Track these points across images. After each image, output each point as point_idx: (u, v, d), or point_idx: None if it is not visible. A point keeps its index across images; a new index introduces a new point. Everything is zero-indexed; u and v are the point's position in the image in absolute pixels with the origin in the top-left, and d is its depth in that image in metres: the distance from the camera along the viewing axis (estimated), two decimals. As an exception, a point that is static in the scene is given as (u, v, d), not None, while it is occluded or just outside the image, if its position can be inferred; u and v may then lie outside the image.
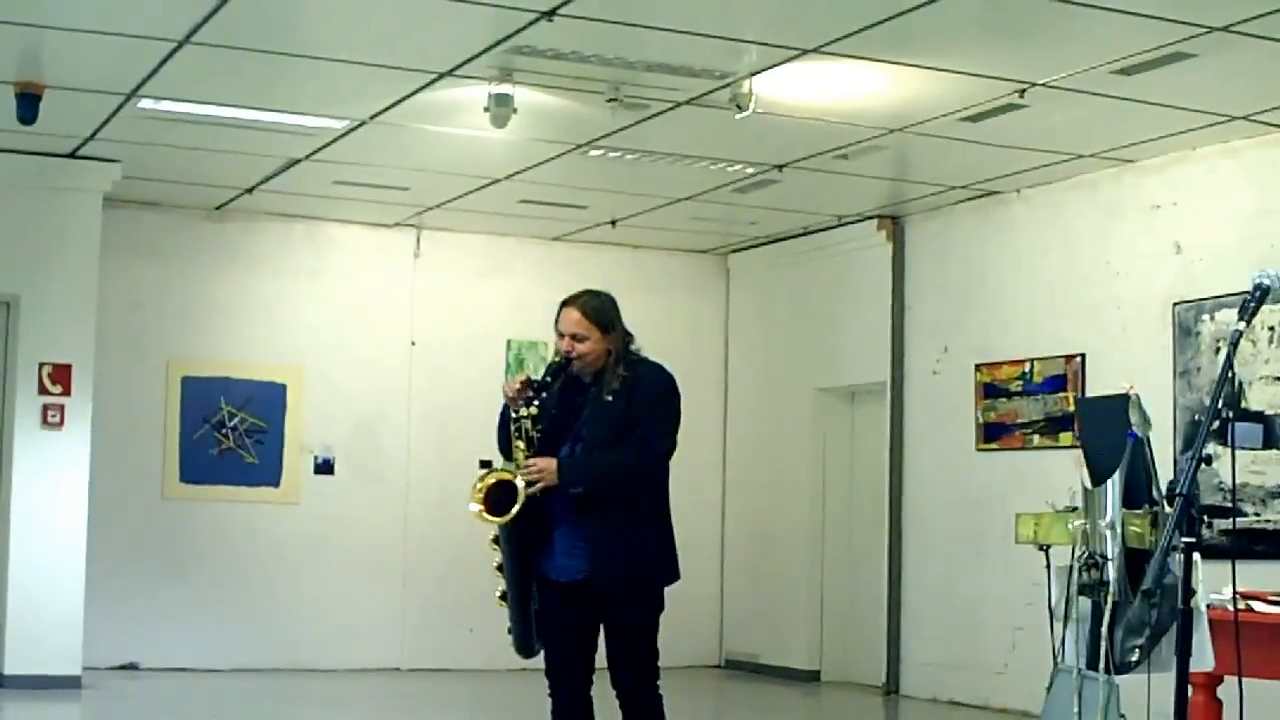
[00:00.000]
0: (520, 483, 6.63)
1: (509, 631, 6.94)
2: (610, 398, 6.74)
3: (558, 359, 6.81)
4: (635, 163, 12.20)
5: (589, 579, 6.69)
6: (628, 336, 6.86)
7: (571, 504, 6.68)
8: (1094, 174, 12.08)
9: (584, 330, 6.75)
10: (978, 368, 13.15)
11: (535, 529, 6.72)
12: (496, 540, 6.83)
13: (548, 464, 6.65)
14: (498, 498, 6.67)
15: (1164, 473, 5.89)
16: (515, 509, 6.63)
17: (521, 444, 6.72)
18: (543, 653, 6.93)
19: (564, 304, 6.85)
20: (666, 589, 6.88)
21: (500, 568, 6.84)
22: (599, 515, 6.68)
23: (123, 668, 13.73)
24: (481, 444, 14.49)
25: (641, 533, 6.76)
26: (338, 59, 9.89)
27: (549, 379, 6.77)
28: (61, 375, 12.75)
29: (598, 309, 6.80)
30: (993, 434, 12.97)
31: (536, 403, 6.73)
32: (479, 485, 6.69)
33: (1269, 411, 10.47)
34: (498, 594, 6.88)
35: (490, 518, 6.68)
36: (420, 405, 15.02)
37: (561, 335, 6.79)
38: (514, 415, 6.76)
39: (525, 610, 6.85)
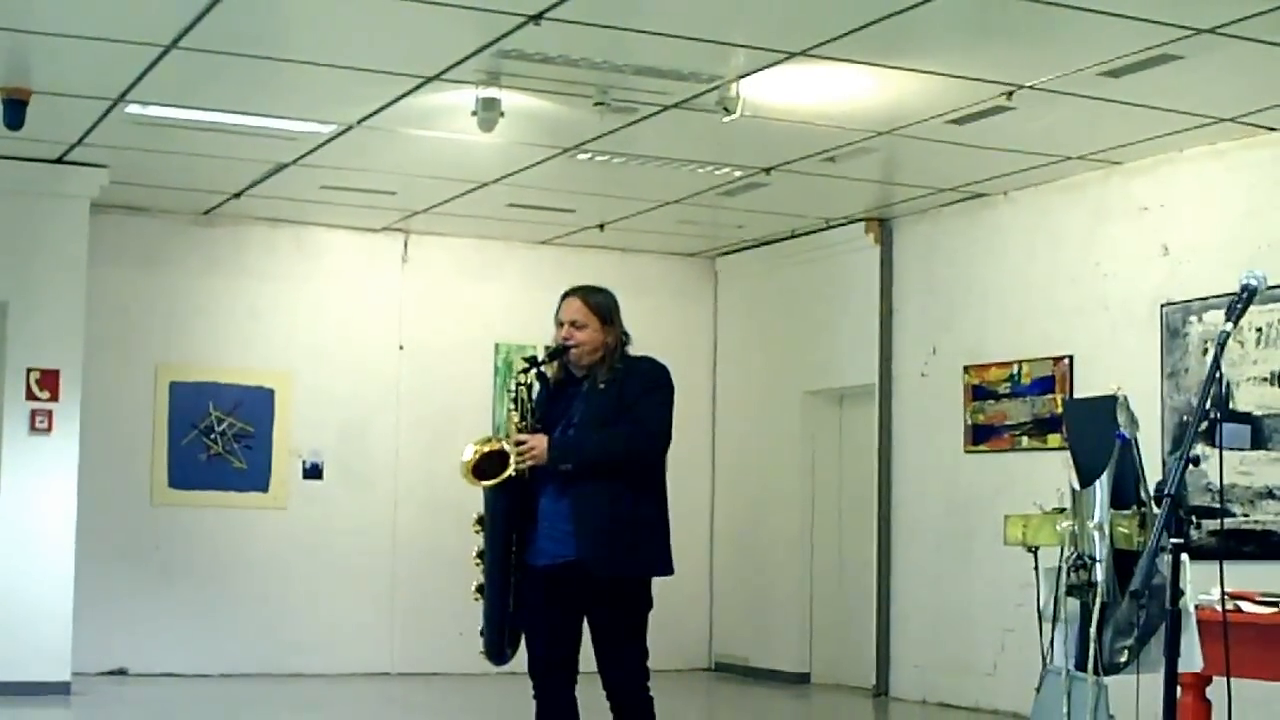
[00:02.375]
0: (513, 456, 6.62)
1: (480, 633, 6.87)
2: (603, 386, 6.78)
3: (554, 345, 6.84)
4: (623, 166, 12.20)
5: (576, 560, 6.66)
6: (625, 336, 6.90)
7: (559, 485, 6.68)
8: (1082, 176, 12.09)
9: (583, 318, 6.81)
10: (966, 370, 13.16)
11: (520, 515, 6.71)
12: (480, 521, 6.80)
13: (539, 440, 6.66)
14: (486, 468, 6.68)
15: (1152, 474, 5.89)
16: (505, 475, 6.62)
17: (516, 415, 6.73)
18: (525, 651, 6.90)
19: (566, 294, 6.95)
20: (654, 590, 6.86)
21: (481, 555, 6.80)
22: (589, 498, 6.67)
23: (112, 673, 13.72)
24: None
25: (633, 519, 6.74)
26: (325, 63, 9.88)
27: (546, 359, 6.83)
28: (49, 381, 12.73)
29: (599, 301, 6.90)
30: (981, 436, 12.98)
31: (535, 372, 6.77)
32: (476, 448, 6.70)
33: (1257, 412, 10.56)
34: (474, 587, 6.84)
35: (473, 479, 6.67)
36: (409, 409, 15.02)
37: (561, 324, 6.84)
38: (512, 385, 6.79)
39: (501, 610, 6.79)
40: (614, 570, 6.71)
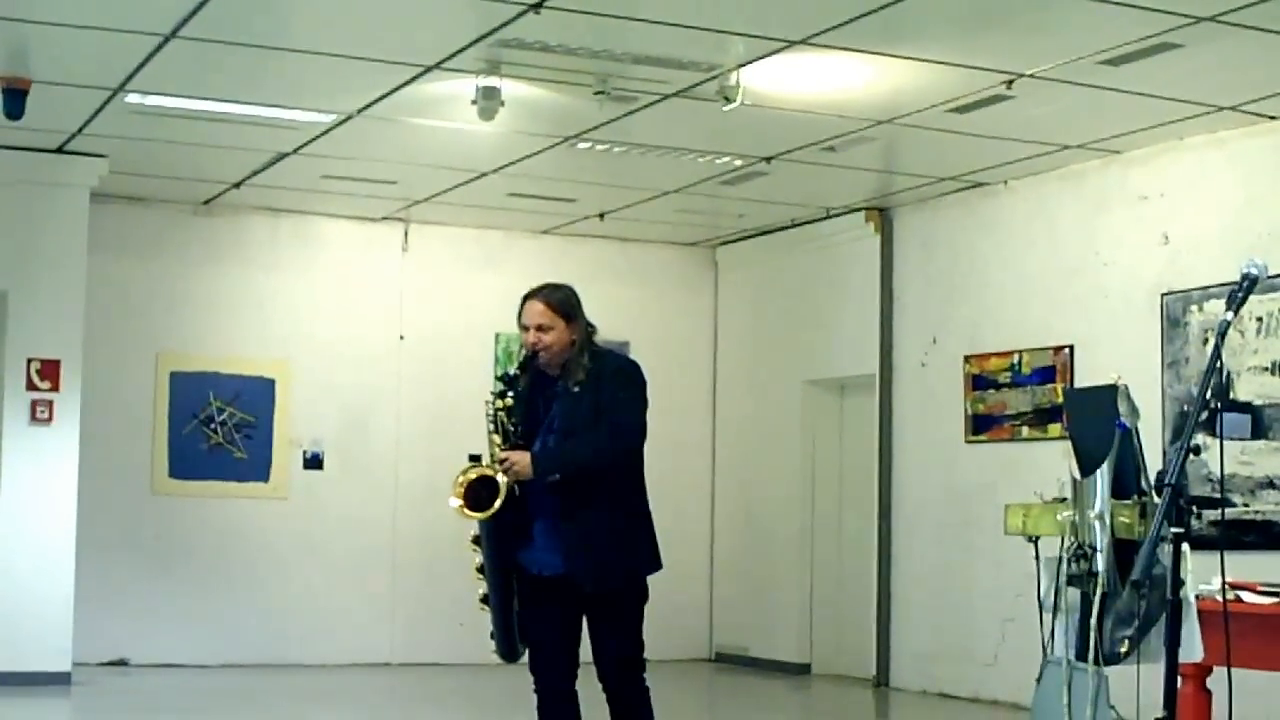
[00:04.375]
0: (501, 478, 6.63)
1: (491, 636, 6.94)
2: (577, 389, 6.79)
3: (524, 353, 6.84)
4: (623, 155, 12.19)
5: (567, 575, 6.71)
6: (590, 328, 6.92)
7: (550, 499, 6.70)
8: (1082, 165, 12.08)
9: (548, 320, 6.80)
10: (966, 359, 13.15)
11: (515, 524, 6.73)
12: (477, 540, 6.84)
13: (521, 457, 6.68)
14: (478, 494, 6.67)
15: (1152, 464, 5.89)
16: (496, 504, 6.63)
17: (498, 437, 6.75)
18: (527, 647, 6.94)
19: (526, 298, 6.92)
20: (654, 582, 6.88)
21: (481, 569, 6.84)
22: (576, 510, 6.70)
23: (112, 664, 13.73)
24: (471, 438, 14.63)
25: (618, 528, 6.78)
26: (325, 52, 9.88)
27: (519, 371, 6.81)
28: (50, 371, 12.73)
29: (561, 300, 6.87)
30: (981, 425, 12.98)
31: (511, 394, 6.75)
32: (460, 480, 6.70)
33: (1257, 402, 10.56)
34: (479, 597, 6.88)
35: (471, 513, 6.69)
36: (409, 399, 15.01)
37: (526, 328, 6.84)
38: (489, 410, 6.78)
39: (507, 614, 6.85)
40: (603, 585, 6.76)
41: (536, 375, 6.85)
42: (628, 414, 6.81)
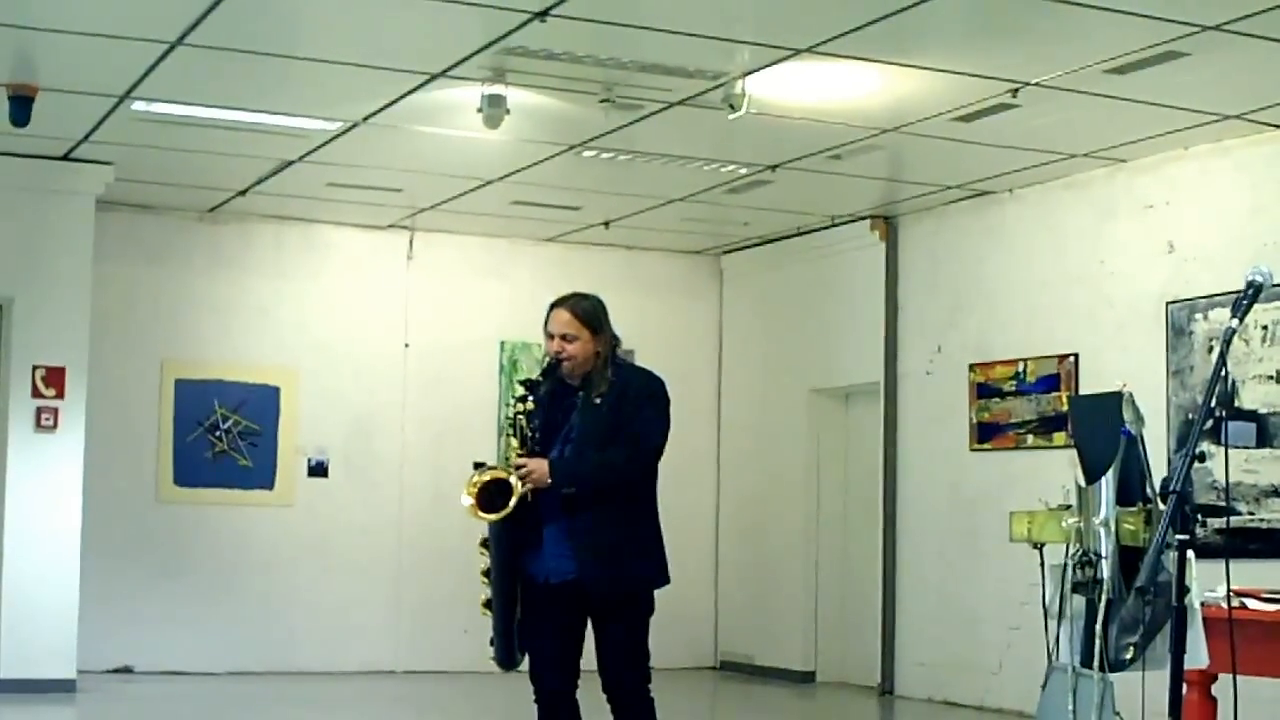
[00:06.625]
0: (516, 481, 6.61)
1: (490, 643, 6.91)
2: (599, 400, 6.75)
3: (547, 360, 6.82)
4: (629, 163, 12.20)
5: (578, 581, 6.69)
6: (615, 340, 6.88)
7: (561, 505, 6.68)
8: (1087, 173, 12.08)
9: (574, 330, 6.77)
10: (971, 368, 13.15)
11: (524, 531, 6.72)
12: (485, 544, 6.83)
13: (539, 463, 6.65)
14: (491, 496, 6.66)
15: (1157, 471, 5.89)
16: (510, 505, 6.61)
17: (515, 441, 6.73)
18: (527, 654, 6.91)
19: (553, 306, 6.88)
20: (659, 590, 6.87)
21: (486, 573, 6.82)
22: (589, 518, 6.67)
23: (117, 671, 13.72)
24: (476, 445, 14.65)
25: (631, 536, 6.76)
26: (331, 60, 9.89)
27: (541, 377, 6.79)
28: (55, 378, 12.73)
29: (587, 310, 6.83)
30: (986, 434, 12.98)
31: (532, 399, 6.74)
32: (473, 480, 6.68)
33: (1262, 410, 10.56)
34: (482, 601, 6.87)
35: (483, 515, 6.68)
36: (414, 407, 15.01)
37: (551, 336, 6.81)
38: (510, 413, 6.77)
39: (509, 620, 6.82)
40: (614, 590, 6.74)
41: (558, 384, 6.83)
42: (648, 434, 6.79)
